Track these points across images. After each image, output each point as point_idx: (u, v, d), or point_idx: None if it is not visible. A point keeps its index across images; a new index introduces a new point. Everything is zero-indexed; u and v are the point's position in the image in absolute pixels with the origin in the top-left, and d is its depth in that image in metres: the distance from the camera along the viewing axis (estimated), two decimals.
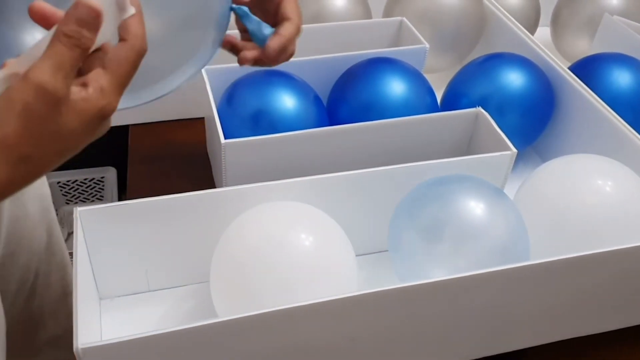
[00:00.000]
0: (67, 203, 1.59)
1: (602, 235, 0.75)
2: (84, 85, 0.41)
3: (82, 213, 0.73)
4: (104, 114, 0.42)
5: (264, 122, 0.89)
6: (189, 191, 0.73)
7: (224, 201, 0.75)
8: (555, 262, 0.67)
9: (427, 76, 0.99)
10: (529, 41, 1.06)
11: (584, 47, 1.22)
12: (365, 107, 0.92)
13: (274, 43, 0.64)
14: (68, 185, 1.56)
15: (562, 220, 0.77)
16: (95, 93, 0.41)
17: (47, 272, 0.80)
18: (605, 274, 0.72)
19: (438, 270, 0.73)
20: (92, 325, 0.70)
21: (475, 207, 0.74)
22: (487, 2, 1.18)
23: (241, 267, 0.70)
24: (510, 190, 0.84)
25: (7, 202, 0.70)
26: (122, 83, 0.42)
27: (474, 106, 0.91)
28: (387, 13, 1.20)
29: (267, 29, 0.66)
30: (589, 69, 1.02)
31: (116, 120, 0.52)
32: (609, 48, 1.10)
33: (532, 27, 1.27)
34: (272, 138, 0.83)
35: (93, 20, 0.39)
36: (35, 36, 0.50)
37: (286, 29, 0.64)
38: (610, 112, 0.90)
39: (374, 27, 1.12)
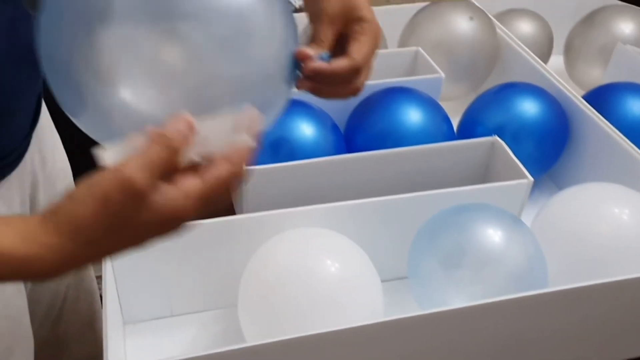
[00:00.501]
0: None
1: (619, 263, 0.76)
2: (171, 185, 0.41)
3: None
4: (180, 218, 0.41)
5: (283, 149, 0.91)
6: (209, 218, 0.75)
7: (248, 227, 0.77)
8: (572, 290, 0.69)
9: (442, 104, 1.01)
10: (543, 70, 1.08)
11: (597, 76, 1.23)
12: (382, 135, 0.94)
13: (341, 63, 0.54)
14: None
15: (580, 248, 0.78)
16: (179, 196, 0.40)
17: (75, 297, 0.82)
18: (623, 301, 0.73)
19: (457, 297, 0.74)
20: (117, 351, 0.71)
21: (493, 235, 0.76)
22: (500, 32, 1.21)
23: (270, 292, 0.72)
24: (526, 218, 0.86)
25: None
26: (209, 197, 0.41)
27: (489, 134, 0.92)
28: (403, 43, 1.22)
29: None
30: (603, 97, 1.04)
31: None
32: (621, 77, 1.11)
33: (545, 56, 1.29)
34: (291, 165, 0.86)
35: (189, 132, 0.41)
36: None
37: (338, 64, 0.54)
38: (625, 141, 0.92)
39: (390, 57, 1.14)
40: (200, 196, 0.41)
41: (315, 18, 0.54)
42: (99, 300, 0.90)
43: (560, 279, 0.75)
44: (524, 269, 0.75)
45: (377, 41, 0.55)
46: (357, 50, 0.53)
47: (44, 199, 0.73)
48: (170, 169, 0.41)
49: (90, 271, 0.86)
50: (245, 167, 0.43)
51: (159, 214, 0.40)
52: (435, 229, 0.78)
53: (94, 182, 0.39)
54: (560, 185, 1.03)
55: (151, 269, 0.78)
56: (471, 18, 1.15)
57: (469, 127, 1.00)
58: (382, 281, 0.76)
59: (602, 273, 0.71)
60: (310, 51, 0.51)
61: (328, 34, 0.53)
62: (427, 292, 0.77)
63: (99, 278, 0.89)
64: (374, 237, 0.80)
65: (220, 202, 0.43)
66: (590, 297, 0.71)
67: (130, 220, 0.40)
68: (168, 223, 0.41)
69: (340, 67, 0.52)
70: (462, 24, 1.15)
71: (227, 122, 0.44)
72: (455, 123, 1.02)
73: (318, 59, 0.53)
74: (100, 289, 0.90)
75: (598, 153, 0.97)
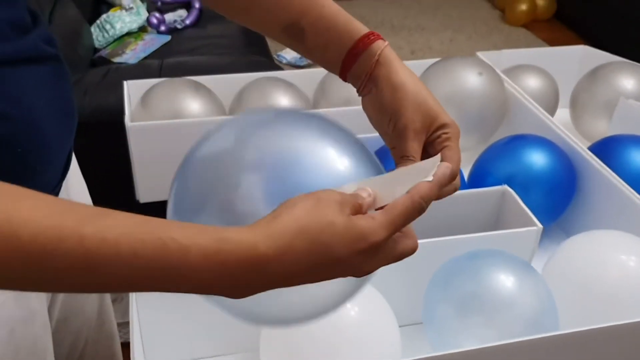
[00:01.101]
0: None
1: (627, 307, 0.78)
2: (359, 213, 0.45)
3: None
4: (367, 238, 0.43)
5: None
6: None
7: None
8: (582, 332, 0.71)
9: None
10: (550, 122, 1.13)
11: (602, 128, 1.28)
12: None
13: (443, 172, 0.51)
14: None
15: (589, 293, 0.81)
16: (365, 219, 0.44)
17: (96, 340, 0.84)
18: (630, 344, 0.75)
19: (470, 342, 0.77)
20: None
21: (505, 281, 0.79)
22: (508, 87, 1.26)
23: (291, 337, 0.74)
24: (537, 264, 0.89)
25: None
26: (393, 221, 0.45)
27: (499, 184, 0.96)
28: None
29: None
30: (607, 149, 1.08)
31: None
32: (625, 129, 1.16)
33: (551, 109, 1.34)
34: None
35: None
36: None
37: (453, 155, 0.56)
38: (629, 190, 0.95)
39: None
40: (385, 219, 0.45)
41: (398, 135, 0.56)
42: (119, 344, 0.92)
43: (571, 323, 0.77)
44: (536, 314, 0.78)
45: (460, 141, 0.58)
46: (451, 157, 0.55)
47: None
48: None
49: (111, 314, 0.89)
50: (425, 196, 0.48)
51: (348, 235, 0.44)
52: (449, 275, 0.81)
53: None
54: (569, 234, 1.06)
55: (173, 313, 0.81)
56: (480, 73, 1.21)
57: (480, 177, 1.04)
58: (401, 326, 0.79)
59: (610, 317, 0.73)
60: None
61: (417, 149, 0.55)
62: (442, 337, 0.80)
63: (120, 325, 0.93)
64: (390, 283, 0.83)
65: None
66: (599, 339, 0.73)
67: (325, 243, 0.43)
68: (357, 245, 0.44)
69: (445, 181, 0.51)
70: (471, 79, 1.20)
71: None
72: (466, 174, 1.06)
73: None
74: (119, 333, 0.93)
75: (604, 202, 1.00)
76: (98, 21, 2.16)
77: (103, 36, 2.14)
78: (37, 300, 0.68)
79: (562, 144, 1.07)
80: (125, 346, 0.83)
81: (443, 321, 0.79)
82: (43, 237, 0.38)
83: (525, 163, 1.02)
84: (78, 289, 0.43)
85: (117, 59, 2.02)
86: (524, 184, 1.00)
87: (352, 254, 0.44)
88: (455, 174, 0.54)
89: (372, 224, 0.44)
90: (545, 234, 1.04)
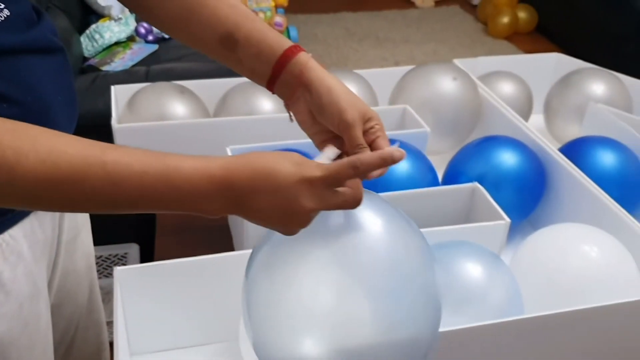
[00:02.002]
0: None
1: (588, 295, 0.82)
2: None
3: (120, 272, 0.82)
4: (302, 172, 0.54)
5: None
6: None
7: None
8: (546, 317, 0.75)
9: (430, 157, 1.10)
10: (521, 125, 1.18)
11: (574, 132, 1.33)
12: (373, 182, 1.01)
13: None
14: (96, 261, 1.65)
15: (553, 283, 0.85)
16: (307, 166, 0.56)
17: (86, 327, 0.87)
18: (592, 330, 0.79)
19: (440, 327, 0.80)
20: None
21: (473, 270, 0.82)
22: (482, 91, 1.31)
23: None
24: (508, 259, 0.93)
25: (62, 256, 0.79)
26: (328, 168, 0.55)
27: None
28: (393, 101, 1.32)
29: None
30: (577, 150, 1.13)
31: None
32: (596, 132, 1.21)
33: (525, 114, 1.39)
34: None
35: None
36: None
37: (386, 142, 0.65)
38: (596, 188, 1.00)
39: (381, 113, 1.20)
40: (327, 168, 0.56)
41: (345, 127, 0.63)
42: (106, 332, 0.95)
43: (535, 310, 0.81)
44: (502, 303, 0.81)
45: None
46: (386, 144, 0.64)
47: (69, 225, 0.80)
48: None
49: (100, 303, 0.92)
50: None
51: (292, 176, 0.55)
52: None
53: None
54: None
55: (157, 303, 0.84)
56: (454, 78, 1.26)
57: (453, 177, 1.09)
58: None
59: (573, 304, 0.77)
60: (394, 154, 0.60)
61: (361, 138, 0.63)
62: None
63: (106, 324, 0.96)
64: None
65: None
66: (562, 324, 0.77)
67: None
68: (301, 185, 0.55)
69: (389, 158, 0.61)
70: (446, 84, 1.25)
71: None
72: (440, 174, 1.11)
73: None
74: (108, 320, 0.96)
75: (573, 199, 1.05)
76: (87, 31, 2.20)
77: (92, 45, 2.18)
78: (41, 280, 0.72)
79: (533, 145, 1.12)
80: (111, 343, 0.85)
81: None
82: (76, 164, 0.51)
83: (496, 162, 1.06)
84: (102, 207, 0.55)
85: (105, 68, 2.06)
86: (495, 183, 1.04)
87: (290, 183, 0.54)
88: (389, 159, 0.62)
89: (310, 164, 0.55)
90: (516, 231, 1.08)
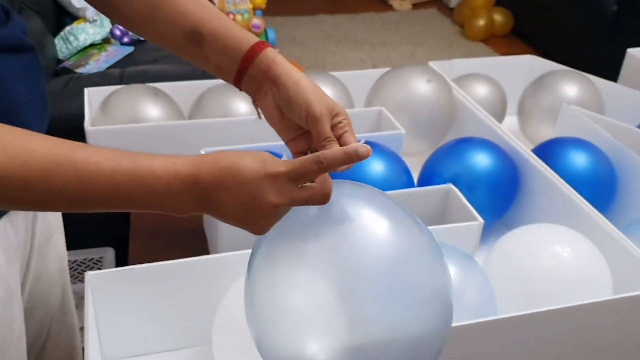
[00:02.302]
0: None
1: (560, 295, 0.83)
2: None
3: (91, 277, 0.81)
4: (267, 167, 0.55)
5: None
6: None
7: (220, 266, 0.83)
8: (519, 317, 0.76)
9: (405, 159, 1.10)
10: (495, 127, 1.18)
11: (547, 133, 1.34)
12: None
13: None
14: (68, 265, 1.63)
15: (525, 283, 0.86)
16: (272, 161, 0.56)
17: (58, 331, 0.86)
18: (564, 329, 0.80)
19: None
20: None
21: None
22: (456, 94, 1.32)
23: (242, 329, 0.77)
24: (481, 260, 0.93)
25: (34, 259, 0.78)
26: (293, 163, 0.56)
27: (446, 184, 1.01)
28: (368, 103, 1.33)
29: None
30: (549, 151, 1.14)
31: None
32: (568, 133, 1.22)
33: (499, 116, 1.41)
34: None
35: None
36: None
37: (354, 137, 0.65)
38: (568, 189, 1.01)
39: (357, 116, 1.23)
40: (291, 165, 0.56)
41: (313, 121, 0.63)
42: (79, 336, 0.94)
43: (508, 311, 0.82)
44: (476, 303, 0.82)
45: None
46: (353, 139, 0.64)
47: (41, 227, 0.79)
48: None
49: (73, 307, 0.91)
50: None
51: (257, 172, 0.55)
52: None
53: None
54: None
55: (129, 308, 0.83)
56: (429, 81, 1.26)
57: (428, 178, 1.09)
58: None
59: (546, 303, 0.78)
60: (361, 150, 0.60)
61: (329, 131, 0.63)
62: None
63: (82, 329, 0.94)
64: None
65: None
66: (535, 324, 0.78)
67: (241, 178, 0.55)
68: (262, 180, 0.55)
69: (354, 154, 0.61)
70: (421, 86, 1.26)
71: None
72: (415, 176, 1.11)
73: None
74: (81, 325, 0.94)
75: (546, 200, 1.06)
76: (62, 33, 2.17)
77: (67, 47, 2.15)
78: (14, 282, 0.71)
79: (507, 147, 1.13)
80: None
81: None
82: (46, 163, 0.51)
83: (470, 164, 1.07)
84: (73, 206, 0.54)
85: (80, 70, 2.03)
86: (468, 184, 1.05)
87: (254, 179, 0.55)
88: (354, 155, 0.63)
89: (275, 160, 0.56)
90: (490, 231, 1.09)
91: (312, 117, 0.62)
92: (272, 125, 0.68)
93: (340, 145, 0.63)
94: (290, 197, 0.56)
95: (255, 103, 0.68)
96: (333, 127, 0.64)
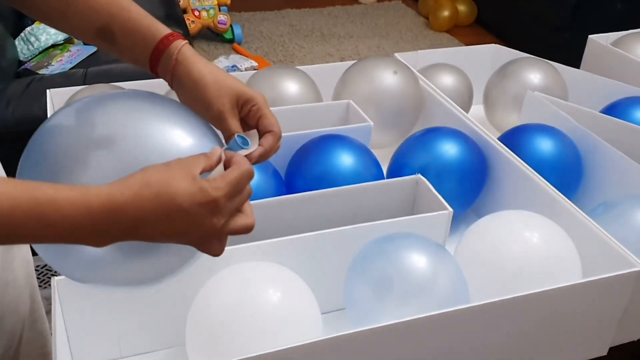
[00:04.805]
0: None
1: (531, 280, 0.84)
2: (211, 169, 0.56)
3: (58, 282, 0.79)
4: (207, 192, 0.52)
5: None
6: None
7: (195, 265, 0.82)
8: (491, 304, 0.76)
9: (375, 151, 1.10)
10: (462, 116, 1.19)
11: (513, 120, 1.35)
12: (319, 178, 1.02)
13: (256, 153, 0.66)
14: (37, 270, 1.59)
15: (496, 269, 0.86)
16: (207, 179, 0.54)
17: (30, 339, 0.84)
18: (535, 313, 0.81)
19: (389, 319, 0.81)
20: None
21: (418, 261, 0.83)
22: (423, 84, 1.32)
23: (215, 329, 0.77)
24: (453, 248, 0.94)
25: None
26: (230, 182, 0.54)
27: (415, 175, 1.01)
28: (336, 96, 1.32)
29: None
30: (516, 138, 1.15)
31: None
32: (534, 119, 1.24)
33: (466, 105, 1.42)
34: None
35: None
36: None
37: (267, 141, 0.66)
38: (535, 175, 1.02)
39: (325, 109, 1.23)
40: (223, 179, 0.54)
41: (216, 120, 0.63)
42: (51, 343, 0.92)
43: (481, 298, 0.82)
44: (448, 292, 0.82)
45: (276, 120, 0.67)
46: (271, 124, 0.64)
47: None
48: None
49: (43, 312, 0.89)
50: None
51: (194, 196, 0.52)
52: (365, 259, 0.85)
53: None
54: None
55: (99, 311, 0.82)
56: (395, 72, 1.26)
57: (397, 170, 1.09)
58: (323, 313, 0.83)
59: (516, 289, 0.78)
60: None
61: (237, 125, 0.63)
62: (363, 319, 0.83)
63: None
64: (312, 270, 0.87)
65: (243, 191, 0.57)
66: (507, 309, 0.78)
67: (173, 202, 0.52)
68: (201, 206, 0.52)
69: (272, 144, 0.64)
70: (387, 78, 1.26)
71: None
72: (384, 167, 1.11)
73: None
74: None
75: (514, 187, 1.07)
76: (22, 34, 2.12)
77: (28, 49, 2.10)
78: None
79: (474, 135, 1.14)
80: None
81: (362, 303, 0.83)
82: None
83: (438, 154, 1.07)
84: None
85: (42, 71, 1.99)
86: (437, 174, 1.05)
87: (193, 205, 0.52)
88: (279, 134, 0.65)
89: (212, 182, 0.53)
90: (461, 220, 1.10)
91: (212, 117, 0.62)
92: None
93: (260, 130, 0.64)
94: (225, 230, 0.56)
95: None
96: (247, 115, 0.63)
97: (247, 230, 0.58)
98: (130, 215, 0.50)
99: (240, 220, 0.57)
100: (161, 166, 0.53)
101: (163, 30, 0.65)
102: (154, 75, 0.67)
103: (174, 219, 0.51)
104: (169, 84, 0.66)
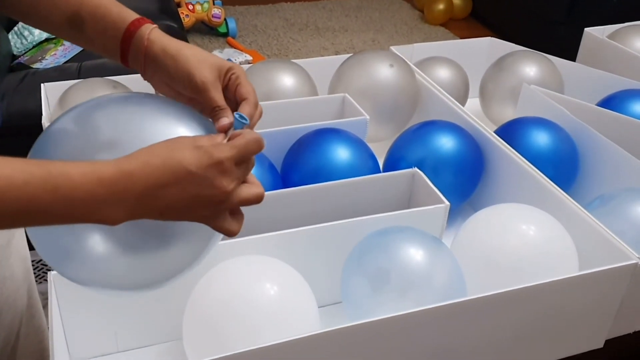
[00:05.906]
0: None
1: (528, 273, 0.84)
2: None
3: (55, 277, 0.79)
4: (212, 153, 0.53)
5: None
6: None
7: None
8: (488, 297, 0.76)
9: (371, 145, 1.10)
10: (458, 109, 1.19)
11: (509, 114, 1.35)
12: (315, 171, 1.02)
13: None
14: (33, 265, 1.59)
15: (493, 262, 0.87)
16: (210, 140, 0.55)
17: (27, 334, 0.84)
18: (532, 306, 0.81)
19: (385, 313, 0.81)
20: None
21: (415, 255, 0.83)
22: (419, 77, 1.32)
23: (211, 322, 0.76)
24: (450, 241, 0.94)
25: None
26: (234, 144, 0.55)
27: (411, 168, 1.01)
28: (332, 90, 1.32)
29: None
30: (512, 131, 1.15)
31: None
32: (530, 113, 1.24)
33: (462, 98, 1.41)
34: None
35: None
36: None
37: (244, 110, 0.65)
38: (531, 168, 1.02)
39: (320, 103, 1.23)
40: (231, 145, 0.55)
41: (199, 92, 0.63)
42: (48, 339, 0.92)
43: (477, 291, 0.82)
44: (445, 285, 0.82)
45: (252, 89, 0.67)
46: (247, 92, 0.64)
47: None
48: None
49: (40, 307, 0.89)
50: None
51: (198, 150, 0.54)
52: (362, 253, 0.85)
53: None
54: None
55: (96, 305, 0.82)
56: (391, 65, 1.26)
57: (393, 163, 1.09)
58: (320, 307, 0.83)
59: (513, 282, 0.79)
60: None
61: (221, 97, 0.63)
62: (359, 312, 0.84)
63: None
64: (310, 263, 0.87)
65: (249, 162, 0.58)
66: (503, 303, 0.78)
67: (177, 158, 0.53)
68: (207, 164, 0.53)
69: (249, 112, 0.64)
70: (383, 71, 1.26)
71: None
72: (380, 161, 1.11)
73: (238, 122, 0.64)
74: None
75: (510, 180, 1.07)
76: (16, 28, 2.11)
77: (22, 43, 2.09)
78: None
79: (470, 129, 1.14)
80: None
81: (359, 297, 0.83)
82: None
83: (435, 147, 1.07)
84: None
85: (36, 65, 1.98)
86: (434, 167, 1.05)
87: (201, 168, 0.53)
88: (255, 100, 0.65)
89: (218, 146, 0.54)
90: (457, 213, 1.10)
91: (195, 88, 0.62)
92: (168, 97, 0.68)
93: (237, 98, 0.64)
94: (235, 201, 0.56)
95: (145, 79, 0.67)
96: (227, 85, 0.63)
97: (258, 199, 0.58)
98: (141, 181, 0.51)
99: (250, 189, 0.57)
100: (164, 141, 0.54)
101: (133, 15, 0.65)
102: (124, 64, 0.67)
103: (183, 183, 0.52)
104: (140, 72, 0.66)
